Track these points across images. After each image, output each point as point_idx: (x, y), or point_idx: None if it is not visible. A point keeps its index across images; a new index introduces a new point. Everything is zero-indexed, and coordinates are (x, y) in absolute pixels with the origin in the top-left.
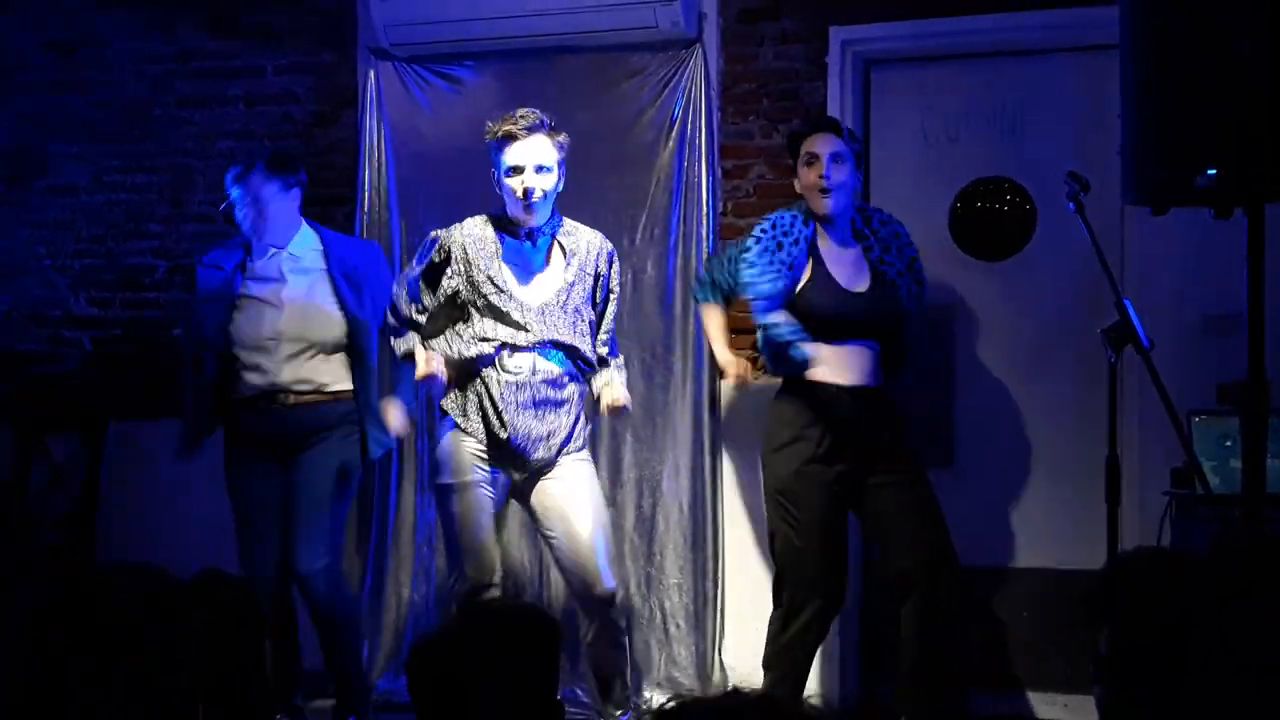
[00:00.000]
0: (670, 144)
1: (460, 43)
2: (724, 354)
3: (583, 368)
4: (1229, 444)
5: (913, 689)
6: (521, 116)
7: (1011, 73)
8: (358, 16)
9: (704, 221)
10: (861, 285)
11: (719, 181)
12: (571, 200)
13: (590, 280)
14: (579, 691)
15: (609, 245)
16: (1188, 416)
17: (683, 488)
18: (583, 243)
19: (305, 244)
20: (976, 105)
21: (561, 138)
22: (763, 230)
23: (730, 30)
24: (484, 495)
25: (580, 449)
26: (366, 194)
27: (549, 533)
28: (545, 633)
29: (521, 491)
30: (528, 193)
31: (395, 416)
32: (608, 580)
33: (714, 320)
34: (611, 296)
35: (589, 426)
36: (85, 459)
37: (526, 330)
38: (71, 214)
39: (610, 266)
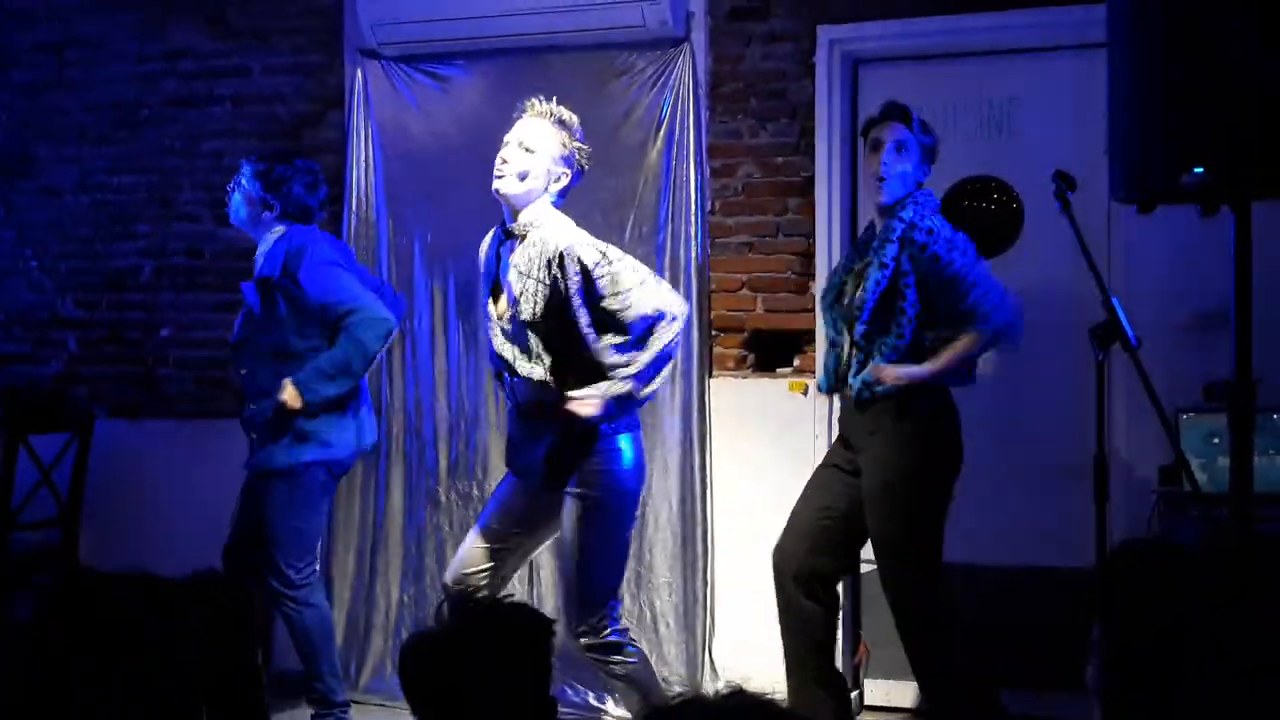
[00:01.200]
0: (658, 143)
1: (448, 42)
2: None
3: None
4: (1216, 442)
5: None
6: (535, 103)
7: (999, 71)
8: (345, 16)
9: (692, 220)
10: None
11: (707, 180)
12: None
13: (545, 290)
14: (569, 690)
15: (561, 243)
16: (1175, 414)
17: (672, 486)
18: (534, 248)
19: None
20: (964, 104)
21: (565, 135)
22: None
23: (718, 29)
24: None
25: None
26: (355, 194)
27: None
28: (537, 630)
29: None
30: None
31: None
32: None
33: None
34: (575, 301)
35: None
36: (72, 459)
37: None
38: (58, 215)
39: (563, 268)
